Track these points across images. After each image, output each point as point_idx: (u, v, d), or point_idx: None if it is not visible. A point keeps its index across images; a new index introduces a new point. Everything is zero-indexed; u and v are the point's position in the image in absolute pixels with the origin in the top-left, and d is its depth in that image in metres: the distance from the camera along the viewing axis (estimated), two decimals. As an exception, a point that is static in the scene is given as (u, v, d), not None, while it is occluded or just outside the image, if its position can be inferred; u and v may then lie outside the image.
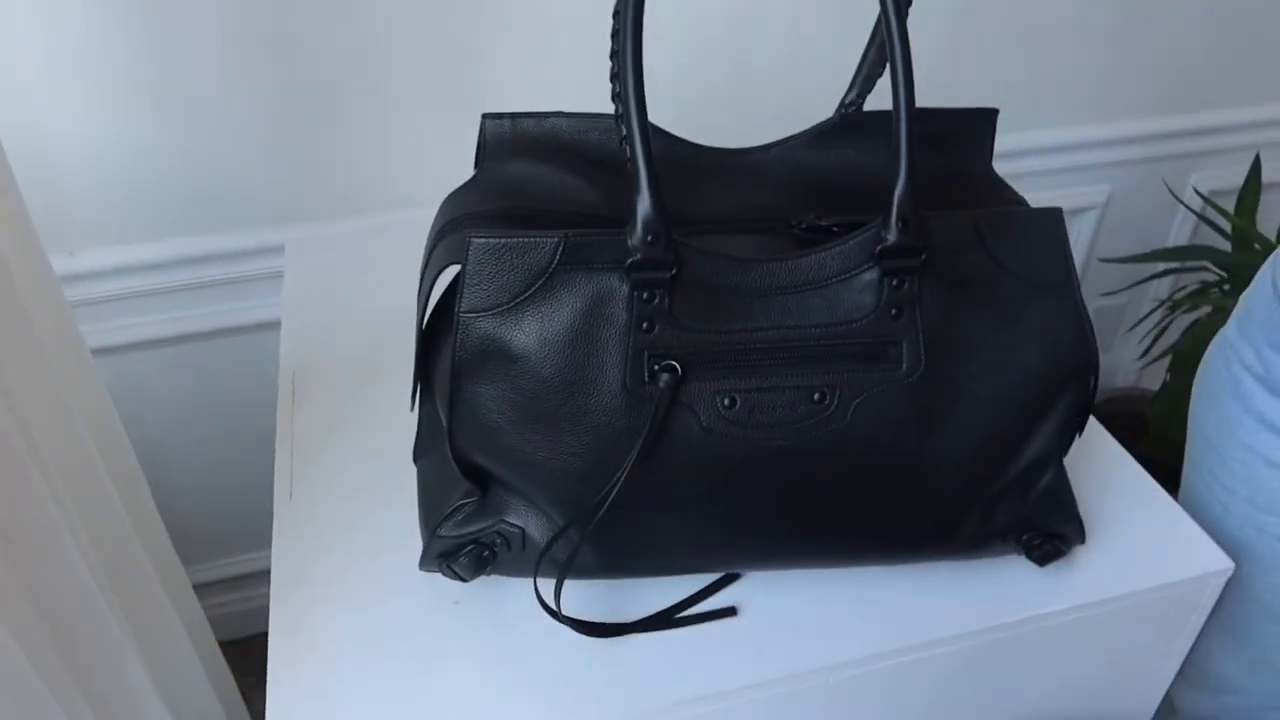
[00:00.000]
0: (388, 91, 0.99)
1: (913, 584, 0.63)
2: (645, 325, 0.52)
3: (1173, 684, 0.86)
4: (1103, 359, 0.58)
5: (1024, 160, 1.26)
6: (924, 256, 0.53)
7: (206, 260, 1.03)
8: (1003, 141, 0.66)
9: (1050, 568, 0.63)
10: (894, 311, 0.54)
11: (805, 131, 0.62)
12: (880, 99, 0.57)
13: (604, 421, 0.53)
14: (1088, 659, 0.68)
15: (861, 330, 0.54)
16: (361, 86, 0.98)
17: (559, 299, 0.52)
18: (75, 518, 0.63)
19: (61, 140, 0.93)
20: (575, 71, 1.02)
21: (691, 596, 0.62)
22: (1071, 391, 0.57)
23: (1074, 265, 0.57)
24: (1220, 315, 1.24)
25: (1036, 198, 0.62)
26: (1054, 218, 0.56)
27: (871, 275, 0.53)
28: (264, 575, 1.29)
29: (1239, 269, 1.27)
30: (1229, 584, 0.70)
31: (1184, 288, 1.37)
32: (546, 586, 0.57)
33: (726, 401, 0.53)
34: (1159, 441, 1.33)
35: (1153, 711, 0.78)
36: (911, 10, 0.51)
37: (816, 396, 0.54)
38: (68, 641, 0.60)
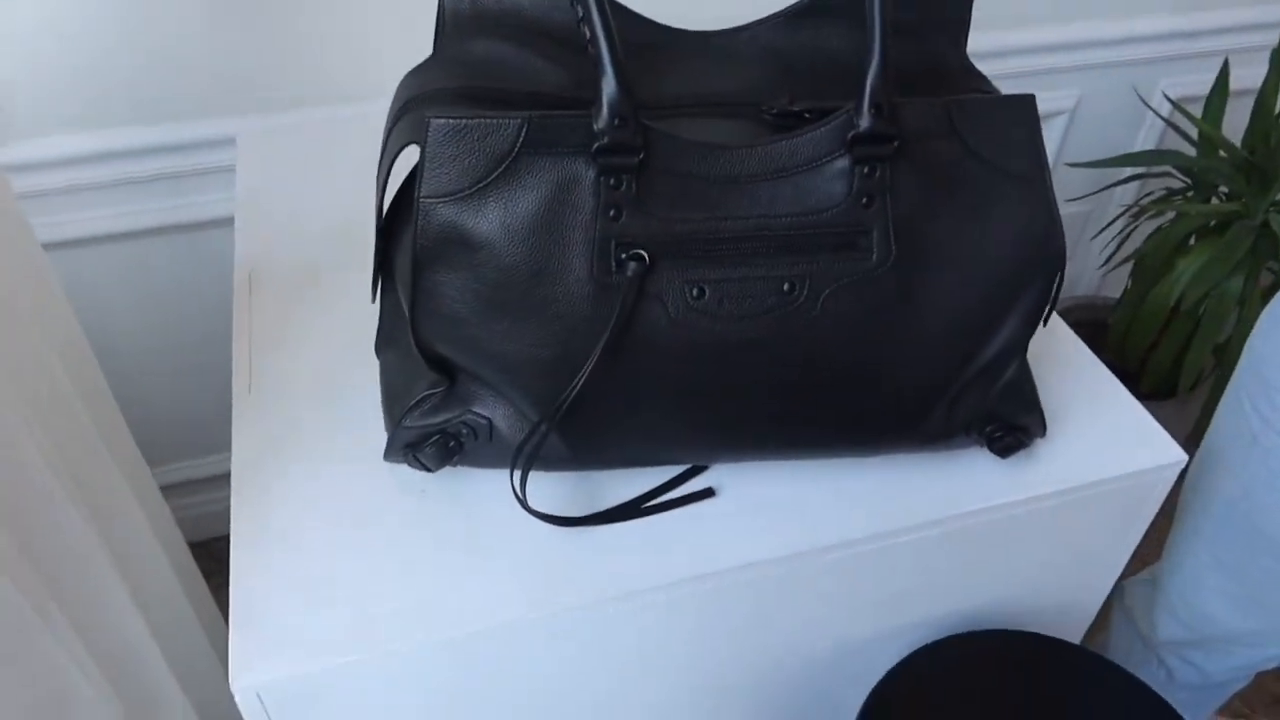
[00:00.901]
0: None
1: (878, 475, 0.63)
2: (612, 213, 0.51)
3: (1155, 608, 0.88)
4: (1067, 265, 0.57)
5: (992, 62, 1.24)
6: (896, 144, 0.52)
7: (156, 152, 0.99)
8: (969, 42, 0.64)
9: (1011, 460, 0.64)
10: (864, 200, 0.53)
11: (777, 13, 0.60)
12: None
13: (570, 312, 0.52)
14: (1043, 550, 0.70)
15: (832, 220, 0.53)
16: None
17: (523, 184, 0.50)
18: (36, 423, 0.61)
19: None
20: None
21: (657, 488, 0.62)
22: (1038, 283, 0.57)
23: (1045, 154, 0.56)
24: (1183, 222, 1.25)
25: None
26: (1026, 105, 0.55)
27: (843, 163, 0.52)
28: (220, 479, 1.29)
29: (1204, 175, 1.27)
30: (1234, 518, 0.70)
31: (1149, 194, 1.37)
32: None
33: (695, 292, 0.52)
34: (1119, 349, 1.35)
35: (1097, 607, 0.80)
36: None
37: (786, 287, 0.53)
38: (37, 553, 0.59)
